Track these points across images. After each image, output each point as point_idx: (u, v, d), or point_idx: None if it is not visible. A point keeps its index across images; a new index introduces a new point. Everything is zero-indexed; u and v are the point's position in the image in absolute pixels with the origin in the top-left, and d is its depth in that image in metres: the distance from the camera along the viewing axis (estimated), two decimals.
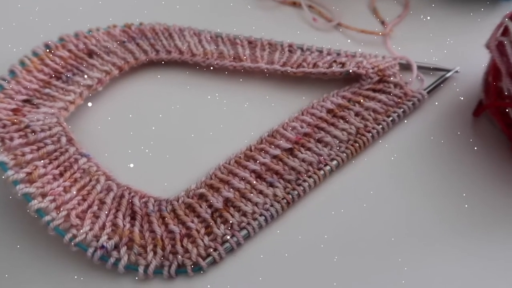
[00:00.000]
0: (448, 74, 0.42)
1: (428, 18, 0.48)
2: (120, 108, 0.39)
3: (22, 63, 0.36)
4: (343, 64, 0.40)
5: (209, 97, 0.40)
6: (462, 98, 0.41)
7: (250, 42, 0.43)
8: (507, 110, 0.35)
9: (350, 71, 0.39)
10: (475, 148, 0.37)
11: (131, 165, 0.35)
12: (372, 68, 0.40)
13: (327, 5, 0.49)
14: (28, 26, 0.45)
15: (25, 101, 0.34)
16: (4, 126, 0.32)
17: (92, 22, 0.44)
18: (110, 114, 0.39)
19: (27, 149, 0.31)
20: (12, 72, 0.35)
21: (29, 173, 0.30)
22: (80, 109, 0.38)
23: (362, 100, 0.38)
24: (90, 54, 0.39)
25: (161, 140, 0.37)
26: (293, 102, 0.40)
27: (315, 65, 0.40)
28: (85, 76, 0.38)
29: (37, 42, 0.39)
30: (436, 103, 0.41)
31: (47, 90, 0.35)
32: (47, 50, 0.37)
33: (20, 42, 0.40)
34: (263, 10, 0.49)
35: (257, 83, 0.41)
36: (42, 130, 0.32)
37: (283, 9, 0.49)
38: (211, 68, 0.41)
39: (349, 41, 0.45)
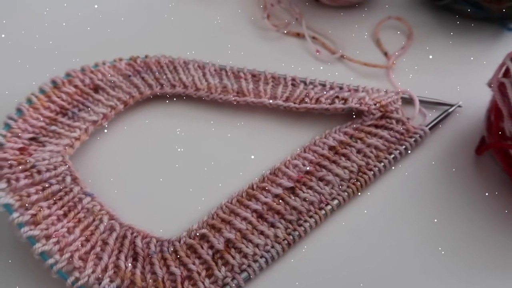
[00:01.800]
0: (451, 110, 0.42)
1: (431, 49, 0.48)
2: (124, 142, 0.40)
3: (29, 101, 0.36)
4: (345, 100, 0.40)
5: (212, 130, 0.41)
6: (464, 133, 0.41)
7: (253, 76, 0.43)
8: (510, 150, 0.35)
9: (353, 107, 0.39)
10: (477, 186, 0.37)
11: (134, 201, 0.36)
12: (375, 104, 0.40)
13: (330, 36, 0.49)
14: (36, 60, 0.46)
15: (31, 139, 0.35)
16: (11, 166, 0.32)
17: (99, 54, 0.45)
18: (114, 148, 0.39)
19: (32, 190, 0.31)
20: (19, 111, 0.36)
21: (34, 215, 0.30)
22: (85, 144, 0.38)
23: (364, 137, 0.38)
24: (96, 89, 0.40)
25: (164, 175, 0.38)
26: (295, 137, 0.40)
27: (317, 100, 0.41)
28: (91, 112, 0.38)
29: (45, 75, 0.40)
30: (438, 138, 0.41)
31: (53, 128, 0.36)
32: (54, 87, 0.38)
33: (28, 77, 0.41)
34: (267, 40, 0.49)
35: (260, 117, 0.42)
36: (48, 170, 0.33)
37: (287, 40, 0.49)
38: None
39: (352, 78, 0.45)
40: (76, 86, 0.39)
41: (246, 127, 0.41)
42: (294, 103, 0.40)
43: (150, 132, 0.40)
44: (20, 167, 0.32)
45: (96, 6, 0.52)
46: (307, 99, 0.41)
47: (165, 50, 0.47)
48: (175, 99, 0.43)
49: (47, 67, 0.43)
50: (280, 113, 0.42)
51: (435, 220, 0.36)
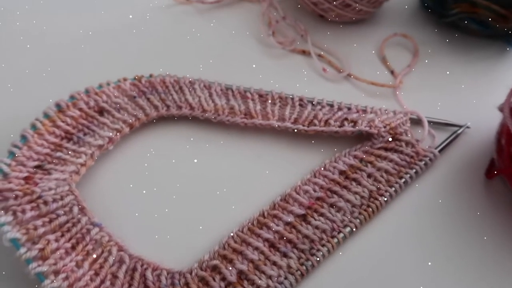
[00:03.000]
0: (460, 131, 0.41)
1: (438, 66, 0.48)
2: (130, 166, 0.39)
3: (33, 127, 0.35)
4: (354, 123, 0.40)
5: (220, 153, 0.40)
6: (473, 154, 0.41)
7: (260, 96, 0.43)
8: None
9: (362, 131, 0.39)
10: (488, 210, 0.37)
11: (142, 229, 0.35)
12: (384, 127, 0.40)
13: (336, 53, 0.49)
14: (38, 83, 0.45)
15: (36, 167, 0.34)
16: (16, 197, 0.31)
17: (103, 74, 0.45)
18: (120, 172, 0.38)
19: (39, 222, 0.31)
20: (23, 138, 0.35)
21: (41, 249, 0.29)
22: (91, 168, 0.37)
23: (374, 160, 0.38)
24: (101, 111, 0.39)
25: (172, 200, 0.37)
26: (305, 159, 0.40)
27: (326, 122, 0.40)
28: (96, 136, 0.38)
29: (49, 97, 0.40)
30: (447, 159, 0.40)
31: (58, 154, 0.35)
32: (58, 111, 0.37)
33: (32, 100, 0.40)
34: (273, 58, 0.49)
35: (269, 139, 0.41)
36: (54, 201, 0.32)
37: (293, 57, 0.49)
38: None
39: (359, 97, 0.45)
40: (80, 109, 0.38)
41: (255, 149, 0.40)
42: (303, 125, 0.40)
43: (156, 155, 0.40)
44: (26, 198, 0.31)
45: (97, 24, 0.51)
46: (315, 121, 0.40)
47: (170, 68, 0.46)
48: (181, 120, 0.42)
49: (50, 89, 0.42)
50: (288, 135, 0.41)
51: (445, 245, 0.35)
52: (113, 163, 0.39)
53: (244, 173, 0.39)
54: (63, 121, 0.37)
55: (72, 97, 0.39)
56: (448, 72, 0.48)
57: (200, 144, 0.41)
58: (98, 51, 0.48)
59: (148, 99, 0.41)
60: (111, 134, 0.38)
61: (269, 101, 0.42)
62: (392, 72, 0.47)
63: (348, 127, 0.39)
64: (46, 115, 0.37)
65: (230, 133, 0.41)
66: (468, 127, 0.42)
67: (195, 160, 0.40)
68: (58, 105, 0.37)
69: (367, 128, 0.39)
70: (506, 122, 0.36)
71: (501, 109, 0.37)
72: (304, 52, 0.49)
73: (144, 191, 0.37)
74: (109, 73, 0.45)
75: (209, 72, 0.46)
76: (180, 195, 0.37)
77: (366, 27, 0.52)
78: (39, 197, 0.32)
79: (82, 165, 0.36)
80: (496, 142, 0.38)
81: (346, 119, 0.40)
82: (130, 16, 0.52)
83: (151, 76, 0.43)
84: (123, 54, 0.48)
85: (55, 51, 0.49)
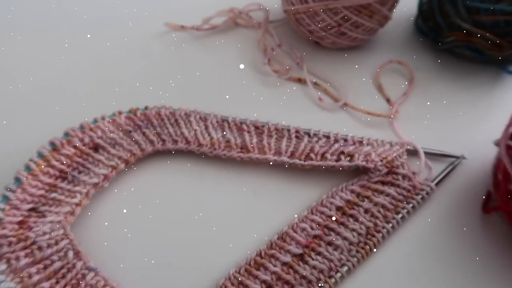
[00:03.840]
0: (456, 162, 0.41)
1: (433, 93, 0.48)
2: (125, 203, 0.38)
3: (27, 168, 0.35)
4: (351, 157, 0.40)
5: (216, 189, 0.40)
6: (469, 186, 0.41)
7: (256, 127, 0.43)
8: None
9: (359, 165, 0.39)
10: (485, 244, 0.37)
11: (138, 269, 0.35)
12: (381, 161, 0.39)
13: (332, 80, 0.49)
14: (32, 118, 0.44)
15: (31, 209, 0.34)
16: (10, 244, 0.31)
17: (98, 106, 0.44)
18: (115, 210, 0.38)
19: (33, 269, 0.30)
20: (17, 180, 0.34)
21: None
22: (85, 207, 0.37)
23: (371, 195, 0.38)
24: (96, 148, 0.39)
25: (168, 240, 0.36)
26: (301, 193, 0.40)
27: (323, 156, 0.40)
28: (91, 174, 0.37)
29: (44, 133, 0.39)
30: (443, 191, 0.40)
31: (53, 195, 0.35)
32: (53, 149, 0.37)
33: (26, 137, 0.40)
34: (268, 86, 0.48)
35: (265, 173, 0.41)
36: (49, 246, 0.32)
37: (289, 86, 0.49)
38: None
39: (355, 126, 0.45)
40: (75, 147, 0.38)
41: (251, 183, 0.40)
42: (300, 159, 0.40)
43: (151, 192, 0.39)
44: (20, 245, 0.31)
45: (90, 54, 0.51)
46: (312, 155, 0.40)
47: (165, 97, 0.46)
48: (177, 153, 0.42)
49: (43, 123, 0.42)
50: (285, 168, 0.41)
51: (442, 280, 0.35)
52: (108, 201, 0.38)
53: (240, 209, 0.39)
54: (57, 160, 0.36)
55: (66, 134, 0.38)
56: (444, 100, 0.48)
57: (196, 179, 0.40)
58: (92, 82, 0.48)
59: (143, 133, 0.41)
60: (106, 171, 0.38)
61: (266, 133, 0.42)
62: (388, 101, 0.47)
63: (344, 162, 0.39)
64: (40, 155, 0.36)
65: (226, 167, 0.41)
66: (464, 158, 0.42)
67: (191, 196, 0.39)
68: (52, 144, 0.37)
69: (364, 163, 0.39)
70: (502, 157, 0.36)
71: (497, 144, 0.37)
72: (300, 80, 0.49)
73: (139, 230, 0.37)
74: (103, 104, 0.45)
75: (205, 101, 0.46)
76: (176, 233, 0.37)
77: (361, 53, 0.52)
78: (34, 242, 0.31)
79: (77, 205, 0.35)
80: (493, 176, 0.38)
81: (342, 152, 0.40)
82: (124, 45, 0.51)
83: (146, 108, 0.43)
84: (118, 84, 0.48)
85: (47, 83, 0.48)
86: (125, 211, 0.38)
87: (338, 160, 0.40)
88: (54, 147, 0.37)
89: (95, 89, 0.47)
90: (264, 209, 0.39)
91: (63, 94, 0.47)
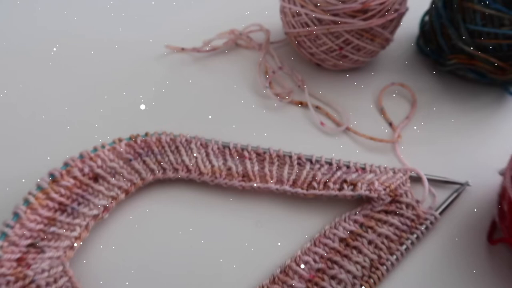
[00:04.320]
0: (460, 190, 0.41)
1: (436, 116, 0.48)
2: (125, 235, 0.38)
3: (26, 202, 0.35)
4: (354, 185, 0.39)
5: (218, 219, 0.39)
6: (474, 213, 0.40)
7: (258, 154, 0.42)
8: None
9: (362, 195, 0.38)
10: (490, 275, 0.37)
11: None
12: (384, 189, 0.39)
13: (334, 103, 0.48)
14: (31, 146, 0.44)
15: (29, 245, 0.33)
16: (8, 283, 0.30)
17: (98, 131, 0.44)
18: (114, 242, 0.37)
19: None
20: (16, 215, 0.34)
21: None
22: (85, 240, 0.36)
23: (374, 225, 0.38)
24: (96, 178, 0.38)
25: (169, 272, 0.36)
26: (304, 223, 0.39)
27: (325, 184, 0.40)
28: (91, 205, 0.37)
29: (43, 162, 0.39)
30: (448, 220, 0.40)
31: (52, 229, 0.34)
32: (52, 181, 0.36)
33: (26, 165, 0.39)
34: (270, 110, 0.48)
35: (267, 202, 0.40)
36: (48, 284, 0.31)
37: (290, 109, 0.48)
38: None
39: (357, 151, 0.45)
40: (75, 178, 0.37)
41: (253, 213, 0.40)
42: (302, 188, 0.39)
43: (151, 222, 0.39)
44: (19, 284, 0.31)
45: (90, 79, 0.50)
46: (314, 183, 0.40)
47: (166, 121, 0.45)
48: (178, 182, 0.41)
49: (43, 153, 0.42)
50: (287, 196, 0.40)
51: None
52: (108, 232, 0.38)
53: (242, 239, 0.38)
54: (56, 192, 0.36)
55: (66, 164, 0.38)
56: (446, 122, 0.47)
57: (197, 208, 0.40)
58: (92, 106, 0.47)
59: (144, 161, 0.41)
60: (106, 202, 0.37)
61: (267, 160, 0.42)
62: (390, 124, 0.47)
63: (347, 191, 0.39)
64: (40, 187, 0.36)
65: (227, 196, 0.40)
66: (468, 185, 0.42)
67: (192, 227, 0.39)
68: (51, 175, 0.37)
69: (367, 193, 0.39)
70: (507, 188, 0.35)
71: (502, 173, 0.37)
72: (302, 104, 0.48)
73: (139, 262, 0.36)
74: (104, 130, 0.45)
75: (206, 125, 0.46)
76: (176, 264, 0.36)
77: (363, 74, 0.51)
78: (32, 281, 0.31)
79: (76, 238, 0.35)
80: (498, 205, 0.38)
81: (345, 181, 0.40)
82: (124, 68, 0.51)
83: (146, 135, 0.42)
84: (118, 108, 0.47)
85: (46, 109, 0.47)
86: (124, 242, 0.37)
87: (340, 189, 0.39)
88: (53, 178, 0.36)
89: (95, 114, 0.47)
90: (266, 240, 0.38)
91: (62, 120, 0.46)
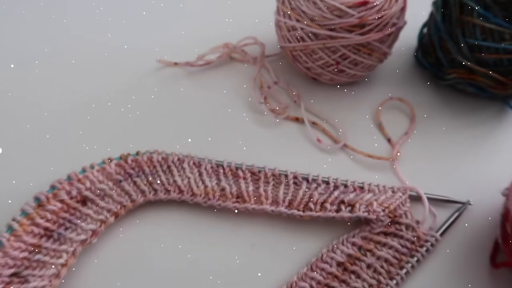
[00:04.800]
0: (462, 209, 0.40)
1: (435, 131, 0.47)
2: (114, 261, 0.36)
3: (9, 229, 0.33)
4: (352, 206, 0.38)
5: (211, 242, 0.38)
6: (475, 233, 0.39)
7: (253, 174, 0.41)
8: None
9: (361, 217, 0.37)
10: None
11: None
12: (383, 210, 0.38)
13: (331, 119, 0.47)
14: (18, 165, 0.42)
15: (13, 274, 0.32)
16: None
17: (88, 148, 0.43)
18: (103, 268, 0.36)
19: None
20: None
21: None
22: (71, 266, 0.35)
23: (373, 248, 0.36)
24: (84, 201, 0.37)
25: None
26: (301, 245, 0.38)
27: (322, 205, 0.38)
28: (79, 230, 0.35)
29: (30, 181, 0.38)
30: (449, 241, 0.38)
31: (37, 257, 0.33)
32: (38, 205, 0.35)
33: (11, 186, 0.38)
34: (265, 126, 0.47)
35: (262, 224, 0.39)
36: None
37: (286, 125, 0.47)
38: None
39: (355, 169, 0.43)
40: (62, 201, 0.36)
41: (248, 235, 0.38)
42: (298, 209, 0.38)
43: (141, 245, 0.37)
44: None
45: (81, 94, 0.49)
46: (311, 204, 0.38)
47: (158, 138, 0.44)
48: (169, 203, 0.40)
49: (30, 173, 0.40)
50: (283, 217, 0.39)
51: None
52: (96, 258, 0.36)
53: (237, 263, 0.37)
54: (42, 218, 0.34)
55: (52, 187, 0.37)
56: (446, 138, 0.46)
57: (190, 231, 0.38)
58: (82, 123, 0.46)
59: (134, 182, 0.39)
60: (94, 226, 0.36)
61: (262, 180, 0.40)
62: (389, 141, 0.45)
63: (345, 213, 0.37)
64: (24, 213, 0.34)
65: (221, 218, 0.39)
66: (470, 204, 0.40)
67: (184, 250, 0.37)
68: (37, 199, 0.35)
69: (366, 214, 0.37)
70: (511, 211, 0.34)
71: (505, 194, 0.36)
72: (298, 120, 0.47)
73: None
74: (92, 148, 0.43)
75: (199, 142, 0.44)
76: None
77: (360, 88, 0.50)
78: None
79: (63, 265, 0.34)
80: (501, 226, 0.37)
81: (343, 201, 0.38)
82: (115, 84, 0.49)
83: (137, 154, 0.41)
84: (108, 125, 0.46)
85: (30, 127, 0.46)
86: (113, 268, 0.36)
87: (338, 210, 0.38)
88: (39, 202, 0.35)
89: (84, 131, 0.45)
90: (261, 263, 0.37)
91: (49, 138, 0.45)
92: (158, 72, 0.51)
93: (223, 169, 0.41)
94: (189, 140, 0.45)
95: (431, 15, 0.49)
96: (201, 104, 0.48)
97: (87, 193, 0.37)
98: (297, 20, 0.43)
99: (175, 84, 0.50)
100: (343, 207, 0.38)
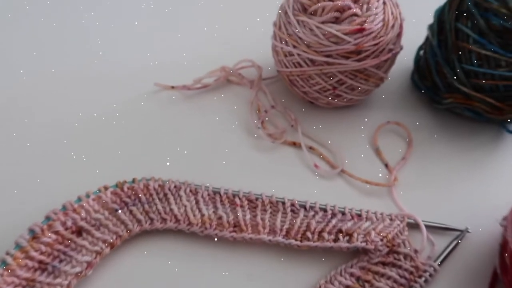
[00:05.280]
0: (460, 237, 0.40)
1: (433, 156, 0.47)
2: None
3: (3, 263, 0.33)
4: (350, 236, 0.38)
5: (207, 272, 0.38)
6: (474, 262, 0.39)
7: (250, 201, 0.40)
8: None
9: (358, 247, 0.37)
10: None
11: None
12: (381, 240, 0.37)
13: (328, 144, 0.47)
14: (14, 194, 0.42)
15: None
16: None
17: (84, 173, 0.43)
18: None
19: None
20: None
21: None
22: None
23: (372, 279, 0.36)
24: (79, 231, 0.36)
25: None
26: (298, 276, 0.38)
27: (320, 235, 0.38)
28: (74, 262, 0.35)
29: (24, 213, 0.37)
30: (447, 269, 0.38)
31: None
32: (32, 237, 0.34)
33: (6, 217, 0.37)
34: (262, 151, 0.46)
35: (259, 253, 0.39)
36: None
37: (283, 149, 0.47)
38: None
39: (353, 195, 0.43)
40: (57, 233, 0.35)
41: (245, 265, 0.38)
42: (296, 239, 0.38)
43: (137, 276, 0.37)
44: None
45: (73, 117, 0.48)
46: (309, 233, 0.38)
47: (154, 163, 0.44)
48: (165, 232, 0.39)
49: (25, 202, 0.40)
50: (281, 247, 0.39)
51: None
52: None
53: None
54: (36, 250, 0.34)
55: (47, 218, 0.36)
56: (443, 163, 0.46)
57: (186, 261, 0.38)
58: (77, 149, 0.45)
59: (130, 211, 0.39)
60: (90, 258, 0.35)
61: (259, 208, 0.40)
62: (386, 166, 0.45)
63: (343, 243, 0.37)
64: (18, 246, 0.34)
65: (218, 247, 0.39)
66: (468, 232, 0.40)
67: (180, 280, 0.37)
68: (31, 231, 0.35)
69: (363, 244, 0.37)
70: (509, 242, 0.34)
71: (503, 225, 0.35)
72: (295, 144, 0.47)
73: None
74: (88, 174, 0.43)
75: (196, 167, 0.44)
76: None
77: (357, 111, 0.50)
78: None
79: None
80: (500, 256, 0.36)
81: (340, 230, 0.38)
82: (110, 108, 0.49)
83: (133, 181, 0.41)
84: (104, 150, 0.46)
85: (24, 154, 0.45)
86: None
87: (336, 239, 0.38)
88: (33, 234, 0.35)
89: (80, 157, 0.45)
90: None
91: (43, 165, 0.44)
92: (155, 95, 0.51)
93: (220, 196, 0.41)
94: (186, 165, 0.45)
95: (427, 39, 0.49)
96: (198, 128, 0.48)
97: (83, 223, 0.37)
98: (294, 46, 0.43)
99: (172, 108, 0.50)
100: (341, 236, 0.38)
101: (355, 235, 0.38)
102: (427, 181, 0.45)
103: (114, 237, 0.37)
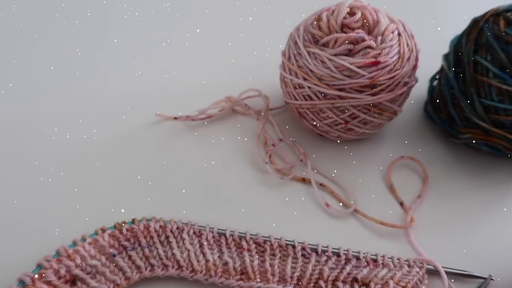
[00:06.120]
0: (483, 286, 0.37)
1: (450, 193, 0.44)
2: None
3: None
4: (366, 286, 0.35)
5: None
6: None
7: (258, 245, 0.38)
8: None
9: None
10: None
11: None
12: None
13: (339, 180, 0.44)
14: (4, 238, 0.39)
15: None
16: None
17: (81, 209, 0.40)
18: None
19: None
20: None
21: None
22: None
23: None
24: (74, 281, 0.34)
25: None
26: None
27: (334, 284, 0.35)
28: None
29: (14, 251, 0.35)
30: None
31: None
32: None
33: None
34: (270, 187, 0.44)
35: None
36: None
37: (292, 185, 0.44)
38: None
39: (367, 236, 0.40)
40: (49, 283, 0.33)
41: None
42: None
43: None
44: None
45: (70, 149, 0.46)
46: (321, 282, 0.35)
47: (155, 202, 0.41)
48: (167, 279, 0.36)
49: (15, 248, 0.37)
50: None
51: None
52: None
53: None
54: None
55: (39, 266, 0.33)
56: (462, 201, 0.43)
57: None
58: (74, 184, 0.43)
59: (129, 257, 0.36)
60: None
61: (268, 252, 0.37)
62: (401, 204, 0.43)
63: None
64: None
65: None
66: (492, 279, 0.37)
67: None
68: (21, 282, 0.32)
69: None
70: None
71: None
72: (304, 180, 0.44)
73: None
74: (84, 212, 0.40)
75: (199, 206, 0.42)
76: None
77: (369, 145, 0.48)
78: None
79: None
80: None
81: (356, 279, 0.35)
82: (110, 140, 0.47)
83: (133, 221, 0.38)
84: (102, 186, 0.43)
85: (16, 191, 0.43)
86: None
87: None
88: (23, 286, 0.32)
89: (76, 193, 0.42)
90: None
91: (37, 203, 0.42)
92: (157, 126, 0.49)
93: (226, 239, 0.38)
94: (189, 203, 0.42)
95: (442, 70, 0.47)
96: (202, 162, 0.46)
97: (77, 271, 0.34)
98: (304, 79, 0.41)
99: (174, 140, 0.48)
100: (356, 286, 0.35)
101: (372, 285, 0.35)
102: (444, 221, 0.42)
103: (111, 286, 0.34)
